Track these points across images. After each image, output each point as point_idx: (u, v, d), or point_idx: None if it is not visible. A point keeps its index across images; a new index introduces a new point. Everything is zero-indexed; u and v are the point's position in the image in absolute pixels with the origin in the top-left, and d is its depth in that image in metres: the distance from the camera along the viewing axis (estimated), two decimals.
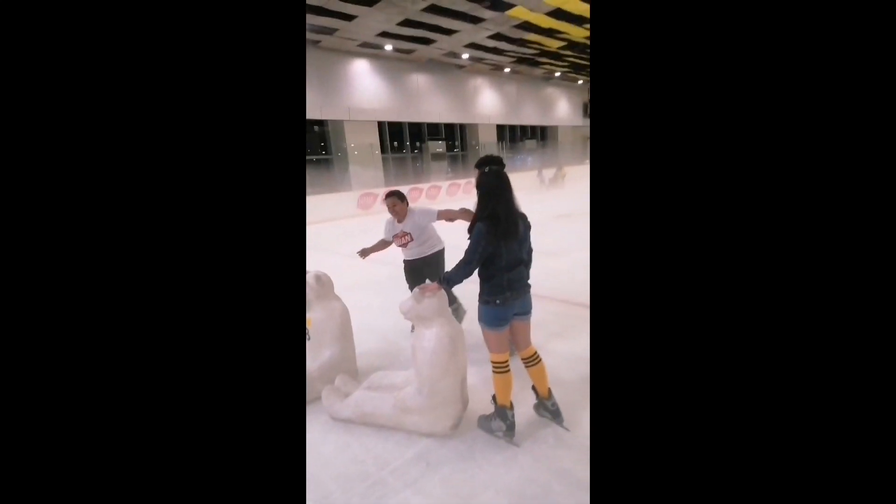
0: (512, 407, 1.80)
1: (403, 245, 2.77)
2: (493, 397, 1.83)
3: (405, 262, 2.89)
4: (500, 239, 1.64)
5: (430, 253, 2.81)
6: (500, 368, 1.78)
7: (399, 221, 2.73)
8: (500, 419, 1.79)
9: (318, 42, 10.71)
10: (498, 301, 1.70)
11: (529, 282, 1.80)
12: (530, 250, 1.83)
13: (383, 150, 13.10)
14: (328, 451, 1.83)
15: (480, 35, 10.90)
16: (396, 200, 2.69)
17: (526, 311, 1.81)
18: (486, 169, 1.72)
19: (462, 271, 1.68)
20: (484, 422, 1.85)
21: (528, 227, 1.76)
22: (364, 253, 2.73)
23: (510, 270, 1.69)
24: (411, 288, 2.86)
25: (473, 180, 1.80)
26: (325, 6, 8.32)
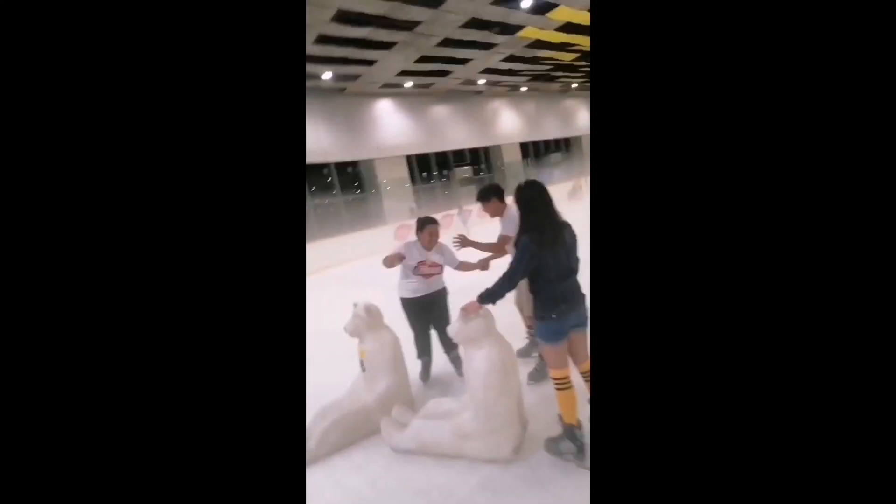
0: (580, 426, 1.72)
1: (429, 276, 2.54)
2: (559, 416, 1.77)
3: (405, 300, 2.60)
4: (546, 249, 1.62)
5: (435, 290, 2.62)
6: (563, 385, 1.72)
7: (428, 250, 2.54)
8: (570, 440, 1.71)
9: (343, 89, 11.43)
10: (554, 315, 1.66)
11: (583, 291, 1.75)
12: (577, 260, 1.78)
13: (413, 182, 13.49)
14: (391, 484, 1.83)
15: (494, 59, 11.19)
16: (436, 228, 2.53)
17: (582, 322, 1.75)
18: (524, 182, 1.75)
19: (505, 285, 1.66)
20: (552, 444, 1.78)
21: (573, 236, 1.73)
22: (389, 263, 2.43)
23: (561, 282, 1.66)
24: (414, 328, 2.67)
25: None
26: (348, 56, 8.91)
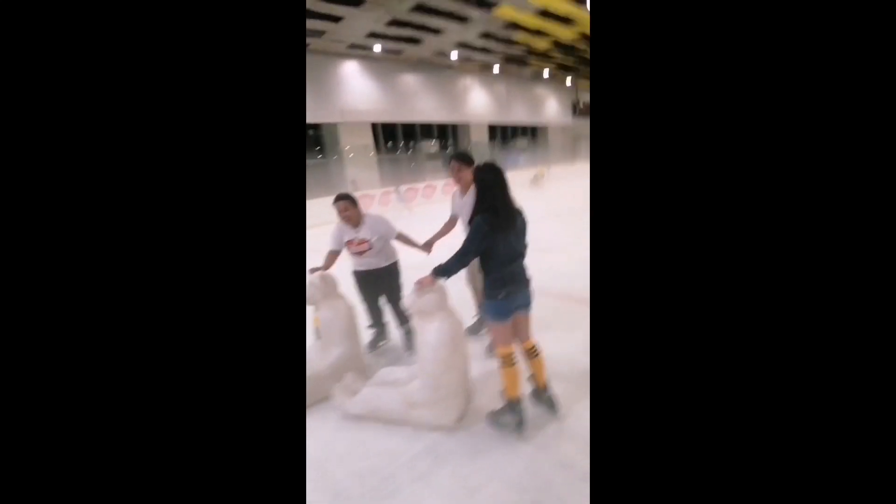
0: (521, 401, 1.86)
1: (360, 254, 2.53)
2: (502, 391, 1.89)
3: (357, 272, 2.63)
4: (499, 232, 1.68)
5: (386, 264, 2.60)
6: (507, 361, 1.84)
7: (353, 227, 2.51)
8: (511, 413, 1.84)
9: (306, 45, 10.71)
10: (501, 295, 1.75)
11: (528, 275, 1.86)
12: (525, 245, 1.87)
13: (378, 151, 13.12)
14: (341, 447, 1.89)
15: (469, 34, 10.97)
16: (348, 205, 2.45)
17: (527, 303, 1.87)
18: (483, 164, 1.78)
19: (458, 262, 1.72)
20: (494, 417, 1.90)
21: (524, 221, 1.81)
22: (315, 271, 2.42)
23: (510, 264, 1.75)
24: (365, 301, 2.71)
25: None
26: (312, 8, 8.33)
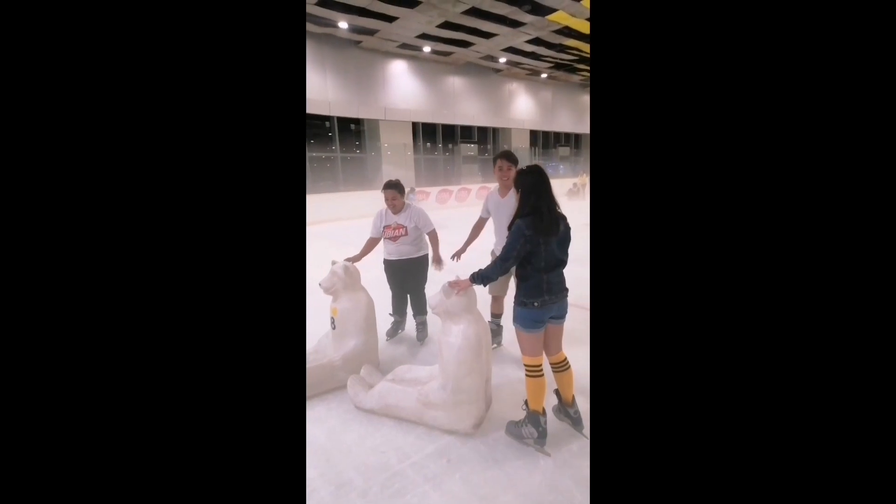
0: (545, 413, 1.75)
1: (394, 238, 2.65)
2: (525, 402, 1.79)
3: (387, 261, 2.75)
4: (541, 236, 1.60)
5: (416, 255, 2.71)
6: (534, 372, 1.73)
7: (394, 213, 2.65)
8: (532, 425, 1.73)
9: (358, 42, 10.96)
10: (536, 303, 1.66)
11: (566, 286, 1.75)
12: (567, 254, 1.77)
13: (416, 151, 13.23)
14: (350, 439, 1.85)
15: (519, 39, 10.84)
16: (396, 193, 2.62)
17: (562, 315, 1.76)
18: (527, 167, 1.70)
19: (498, 268, 1.65)
20: (513, 428, 1.80)
21: (568, 228, 1.71)
22: (353, 260, 2.51)
23: (549, 272, 1.65)
24: (392, 290, 2.84)
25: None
26: (368, 7, 8.50)
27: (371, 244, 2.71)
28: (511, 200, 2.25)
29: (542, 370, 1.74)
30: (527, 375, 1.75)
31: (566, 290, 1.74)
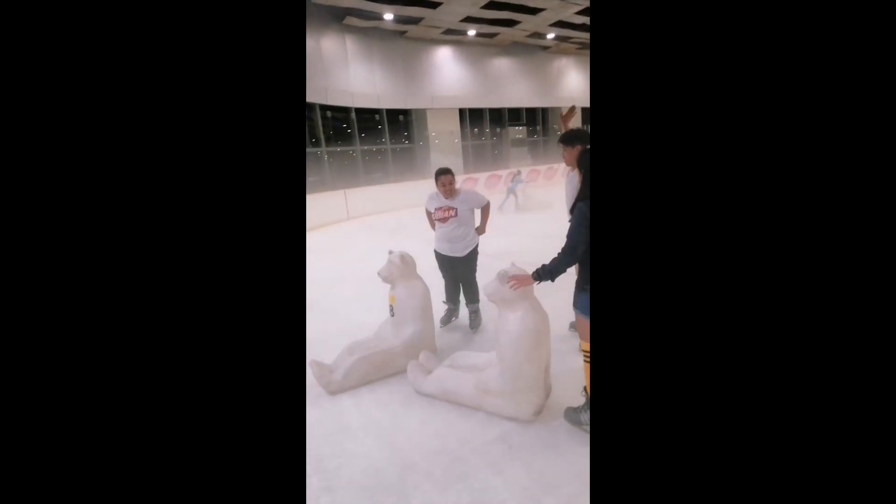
0: None
1: (444, 220, 2.73)
2: (585, 389, 1.75)
3: (438, 254, 2.84)
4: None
5: (464, 254, 2.76)
6: None
7: (447, 198, 2.73)
8: (591, 412, 1.70)
9: (403, 33, 11.00)
10: None
11: None
12: None
13: (463, 138, 13.13)
14: (412, 422, 1.91)
15: (568, 12, 10.26)
16: (451, 178, 2.70)
17: None
18: (589, 146, 1.62)
19: (567, 259, 1.56)
20: (572, 414, 1.77)
21: None
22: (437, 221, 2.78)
23: None
24: (444, 278, 2.90)
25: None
26: None
27: (430, 216, 2.88)
28: (575, 184, 2.15)
29: None
30: (585, 361, 1.70)
31: None
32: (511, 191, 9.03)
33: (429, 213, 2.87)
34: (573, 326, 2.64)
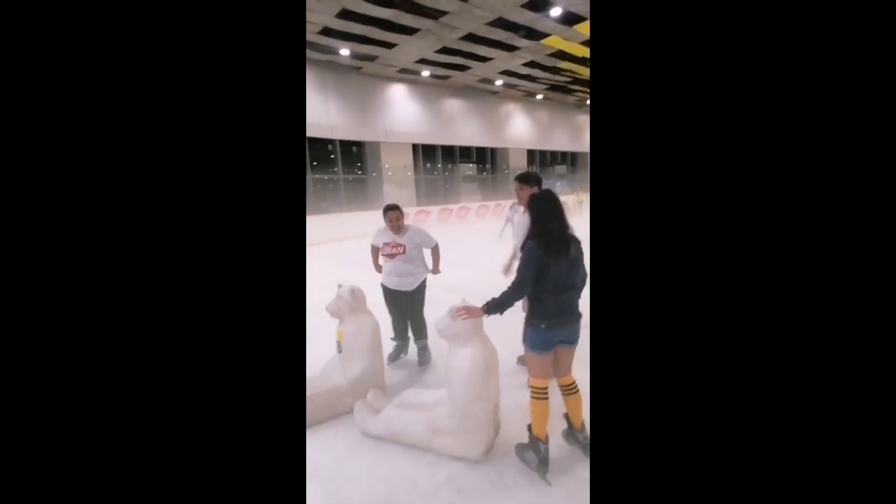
0: (547, 440, 1.72)
1: (392, 256, 2.70)
2: (529, 427, 1.77)
3: (385, 288, 2.78)
4: (551, 257, 1.59)
5: (412, 289, 2.73)
6: (539, 394, 1.72)
7: (395, 233, 2.72)
8: (533, 451, 1.72)
9: (359, 68, 11.26)
10: (543, 325, 1.65)
11: (581, 311, 1.73)
12: (585, 275, 1.76)
13: (416, 171, 13.40)
14: (358, 467, 1.82)
15: (515, 62, 11.15)
16: (399, 214, 2.71)
17: (572, 340, 1.74)
18: (538, 189, 1.73)
19: (515, 293, 1.62)
20: (520, 451, 1.78)
21: (580, 252, 1.71)
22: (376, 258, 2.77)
23: (558, 294, 1.64)
24: (391, 314, 2.85)
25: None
26: (368, 35, 8.77)
27: (375, 252, 2.86)
28: (526, 223, 2.27)
29: (547, 394, 1.72)
30: (532, 397, 1.73)
31: (578, 314, 1.72)
32: (509, 219, 9.26)
33: (374, 250, 2.84)
34: (521, 361, 2.70)
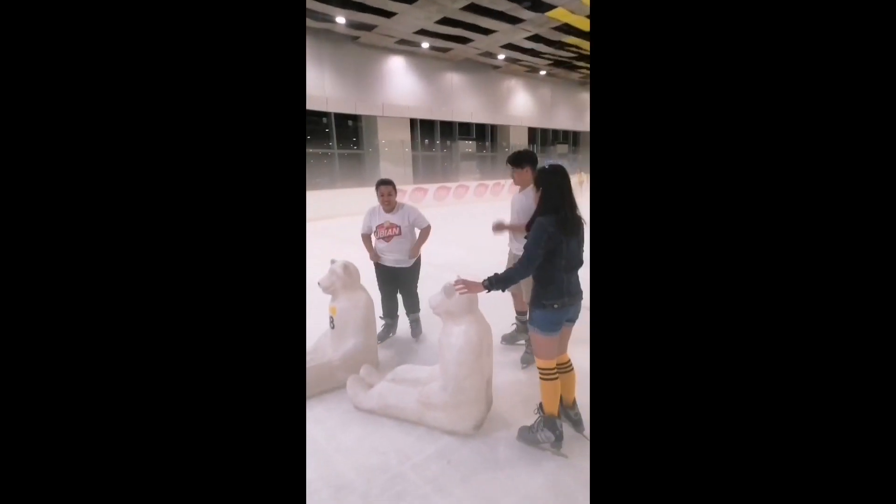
0: (560, 416, 1.73)
1: (387, 238, 2.58)
2: (539, 406, 1.77)
3: (380, 266, 2.68)
4: (563, 234, 1.55)
5: (408, 265, 2.65)
6: (549, 375, 1.71)
7: (387, 211, 2.58)
8: (549, 429, 1.70)
9: (356, 38, 10.87)
10: (556, 305, 1.61)
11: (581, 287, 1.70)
12: (582, 257, 1.72)
13: (414, 148, 13.17)
14: (350, 440, 1.83)
15: (518, 36, 10.79)
16: (391, 189, 2.57)
17: (575, 317, 1.73)
18: (549, 165, 1.67)
19: (523, 269, 1.56)
20: (527, 433, 1.76)
21: (583, 232, 1.66)
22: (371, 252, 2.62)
23: (569, 272, 1.61)
24: (382, 293, 2.77)
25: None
26: (367, 2, 8.42)
27: (366, 240, 2.71)
28: (528, 200, 2.19)
29: (556, 373, 1.72)
30: (541, 378, 1.72)
31: (581, 292, 1.69)
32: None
33: (365, 238, 2.71)
34: (505, 339, 2.70)
